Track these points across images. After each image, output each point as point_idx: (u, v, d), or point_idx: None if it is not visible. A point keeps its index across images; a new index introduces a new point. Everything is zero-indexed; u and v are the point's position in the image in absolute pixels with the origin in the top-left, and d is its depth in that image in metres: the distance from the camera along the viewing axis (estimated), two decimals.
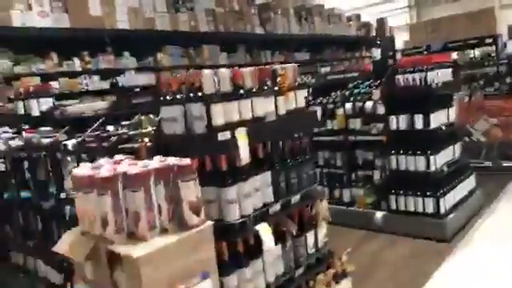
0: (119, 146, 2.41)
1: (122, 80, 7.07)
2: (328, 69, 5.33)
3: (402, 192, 4.15)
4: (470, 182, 4.49)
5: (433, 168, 3.97)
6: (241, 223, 2.05)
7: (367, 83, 4.42)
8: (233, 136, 2.01)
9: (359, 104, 4.41)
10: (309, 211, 2.50)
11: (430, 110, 3.95)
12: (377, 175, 4.43)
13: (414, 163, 4.05)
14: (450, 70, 4.25)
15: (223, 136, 1.98)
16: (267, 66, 2.38)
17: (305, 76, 5.39)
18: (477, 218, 4.33)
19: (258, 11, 9.44)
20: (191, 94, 2.06)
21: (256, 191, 2.16)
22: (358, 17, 12.91)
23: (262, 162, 2.22)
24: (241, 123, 2.09)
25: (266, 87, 2.26)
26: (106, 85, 6.89)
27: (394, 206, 4.21)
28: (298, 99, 2.44)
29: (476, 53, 8.09)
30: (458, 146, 4.43)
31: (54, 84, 6.32)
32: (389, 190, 4.24)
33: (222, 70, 2.13)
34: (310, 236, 2.48)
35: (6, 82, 5.68)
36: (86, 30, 6.52)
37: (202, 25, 8.23)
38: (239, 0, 9.08)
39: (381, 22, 13.48)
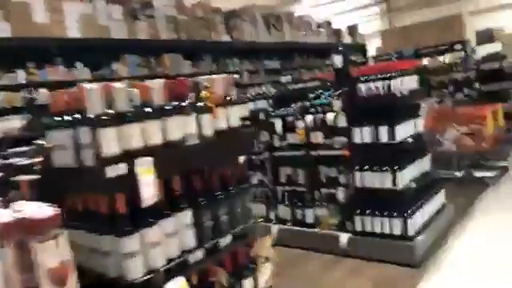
0: (12, 179, 1.91)
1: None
2: (289, 77, 4.91)
3: (367, 212, 3.74)
4: (439, 198, 4.11)
5: (399, 185, 3.57)
6: (145, 281, 1.57)
7: (328, 93, 4.02)
8: (131, 169, 1.54)
9: (320, 116, 3.99)
10: (246, 253, 2.04)
11: (395, 121, 3.56)
12: (341, 193, 4.01)
13: (380, 180, 3.65)
14: (416, 77, 3.88)
15: (114, 170, 1.51)
16: (186, 79, 1.92)
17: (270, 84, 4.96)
18: (448, 238, 3.95)
19: (223, 19, 9.02)
20: (78, 116, 1.58)
21: (170, 237, 1.69)
22: (329, 24, 12.65)
23: (178, 199, 1.75)
24: (146, 151, 1.63)
25: (184, 103, 1.81)
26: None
27: (359, 228, 3.79)
28: (230, 117, 1.99)
29: (446, 59, 7.86)
30: (426, 159, 4.05)
31: None
32: (354, 210, 3.83)
33: (118, 83, 1.65)
34: (249, 283, 2.02)
35: None
36: (30, 40, 5.96)
37: (163, 33, 7.74)
38: (203, 7, 8.64)
39: (352, 29, 13.34)
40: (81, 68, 6.76)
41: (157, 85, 1.70)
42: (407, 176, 3.65)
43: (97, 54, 6.93)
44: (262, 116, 4.45)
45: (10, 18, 5.90)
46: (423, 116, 4.21)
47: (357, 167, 3.76)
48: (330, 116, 3.87)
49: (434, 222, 3.91)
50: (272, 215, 4.53)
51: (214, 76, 2.01)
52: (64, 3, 6.43)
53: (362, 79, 3.65)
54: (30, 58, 6.24)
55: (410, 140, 3.66)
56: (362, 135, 3.69)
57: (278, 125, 4.30)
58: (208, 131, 1.86)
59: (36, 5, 6.14)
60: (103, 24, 6.88)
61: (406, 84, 3.70)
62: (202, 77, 1.97)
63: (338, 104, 3.77)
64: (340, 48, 4.02)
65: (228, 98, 1.98)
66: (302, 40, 10.56)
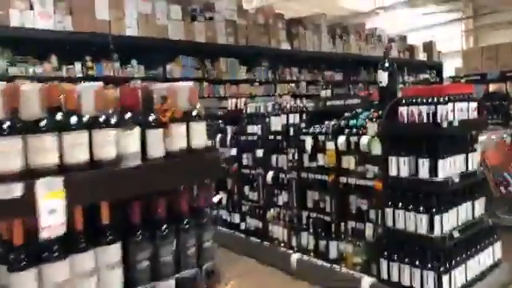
0: None
1: None
2: (329, 92, 4.41)
3: (396, 257, 3.12)
4: (492, 253, 3.35)
5: (437, 232, 2.92)
6: None
7: (366, 113, 3.46)
8: (29, 191, 1.22)
9: (354, 138, 3.45)
10: None
11: (439, 154, 2.93)
12: (369, 230, 3.43)
13: (415, 222, 3.03)
14: (474, 104, 3.19)
15: (8, 191, 1.20)
16: (136, 84, 1.56)
17: (306, 99, 4.51)
18: None
19: (285, 26, 8.66)
20: None
21: (84, 277, 1.35)
22: (404, 38, 11.73)
23: (104, 231, 1.41)
24: (61, 170, 1.31)
25: (127, 115, 1.46)
26: None
27: (385, 274, 3.18)
28: (192, 135, 1.61)
29: None
30: (479, 203, 3.33)
31: None
32: (381, 252, 3.23)
33: (29, 85, 1.34)
34: None
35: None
36: (90, 34, 6.07)
37: (221, 36, 7.57)
38: (265, 13, 8.35)
39: (428, 46, 12.25)
40: (135, 66, 6.79)
41: (89, 89, 1.38)
42: (449, 222, 2.99)
43: (153, 53, 6.92)
44: (292, 132, 4.01)
45: (73, 11, 6.05)
46: (488, 150, 3.49)
47: (389, 203, 3.17)
48: (363, 140, 3.32)
49: (481, 282, 3.18)
50: (294, 241, 4.06)
51: (176, 84, 1.64)
52: (125, 1, 6.49)
53: (403, 101, 3.06)
54: (88, 52, 6.37)
55: (457, 179, 2.99)
56: (399, 167, 3.09)
57: (308, 143, 3.82)
58: (157, 151, 1.50)
59: (98, 1, 6.26)
60: (161, 24, 6.86)
61: (460, 111, 3.04)
62: (161, 84, 1.62)
63: (373, 127, 3.21)
64: (386, 63, 3.45)
65: (193, 113, 1.60)
66: (369, 53, 9.85)
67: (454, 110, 2.94)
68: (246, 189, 4.65)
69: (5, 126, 1.24)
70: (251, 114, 4.57)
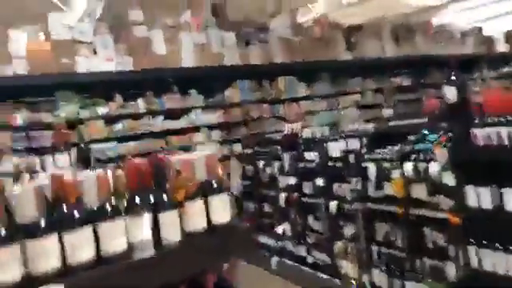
0: None
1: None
2: (391, 111, 3.97)
3: None
4: None
5: None
6: None
7: (434, 136, 3.01)
8: None
9: (423, 165, 3.02)
10: None
11: None
12: (451, 269, 2.96)
13: (506, 264, 2.53)
14: None
15: None
16: (140, 161, 1.37)
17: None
18: None
19: (344, 35, 8.26)
20: None
21: None
22: (479, 30, 10.63)
23: None
24: (63, 273, 1.17)
25: (136, 200, 1.30)
26: (170, 125, 6.50)
27: None
28: (212, 211, 1.40)
29: None
30: None
31: (117, 126, 6.14)
32: None
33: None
34: None
35: (69, 126, 5.58)
36: (149, 70, 6.24)
37: (277, 56, 7.40)
38: (321, 25, 8.03)
39: (510, 35, 10.94)
40: (195, 95, 6.85)
41: (90, 177, 1.24)
42: None
43: (210, 80, 6.95)
44: (352, 159, 3.66)
45: (133, 52, 6.27)
46: None
47: (471, 240, 2.71)
48: (433, 168, 2.88)
49: None
50: (365, 279, 3.68)
51: (191, 156, 1.45)
52: (180, 34, 6.60)
53: (477, 122, 2.60)
54: (150, 87, 6.56)
55: None
56: (479, 198, 2.63)
57: (372, 171, 3.44)
58: (172, 235, 1.32)
59: (156, 37, 6.43)
60: (216, 52, 6.87)
61: None
62: (176, 156, 1.44)
63: (442, 154, 2.77)
64: (453, 76, 2.99)
65: (212, 185, 1.40)
66: (440, 52, 9.03)
67: None
68: (310, 219, 4.36)
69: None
70: (308, 140, 4.29)
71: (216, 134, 6.84)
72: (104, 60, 6.01)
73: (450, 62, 3.46)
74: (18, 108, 5.56)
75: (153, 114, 6.45)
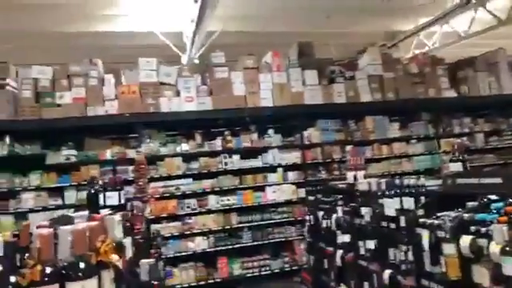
0: None
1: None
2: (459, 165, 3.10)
3: None
4: None
5: None
6: None
7: (501, 203, 2.17)
8: None
9: (483, 242, 2.20)
10: None
11: None
12: None
13: None
14: None
15: None
16: None
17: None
18: None
19: (448, 71, 7.20)
20: None
21: None
22: None
23: None
24: None
25: None
26: (245, 164, 6.34)
27: None
28: None
29: None
30: None
31: (194, 164, 6.21)
32: None
33: None
34: None
35: (150, 162, 5.84)
36: (228, 110, 6.23)
37: (364, 94, 6.76)
38: (419, 61, 7.14)
39: None
40: (272, 135, 6.61)
41: None
42: None
43: (289, 120, 6.65)
44: (403, 222, 2.92)
45: (213, 92, 6.37)
46: None
47: None
48: (493, 248, 2.06)
49: None
50: None
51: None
52: (260, 75, 6.50)
53: None
54: (228, 126, 6.55)
55: None
56: None
57: (425, 240, 2.67)
58: None
59: (235, 78, 6.44)
60: (296, 91, 6.57)
61: None
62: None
63: (501, 231, 1.95)
64: None
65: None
66: None
67: None
68: (366, 285, 3.63)
69: None
70: (364, 192, 3.64)
71: (293, 176, 6.44)
72: (186, 100, 6.21)
73: None
74: (105, 144, 6.03)
75: (228, 152, 6.37)
